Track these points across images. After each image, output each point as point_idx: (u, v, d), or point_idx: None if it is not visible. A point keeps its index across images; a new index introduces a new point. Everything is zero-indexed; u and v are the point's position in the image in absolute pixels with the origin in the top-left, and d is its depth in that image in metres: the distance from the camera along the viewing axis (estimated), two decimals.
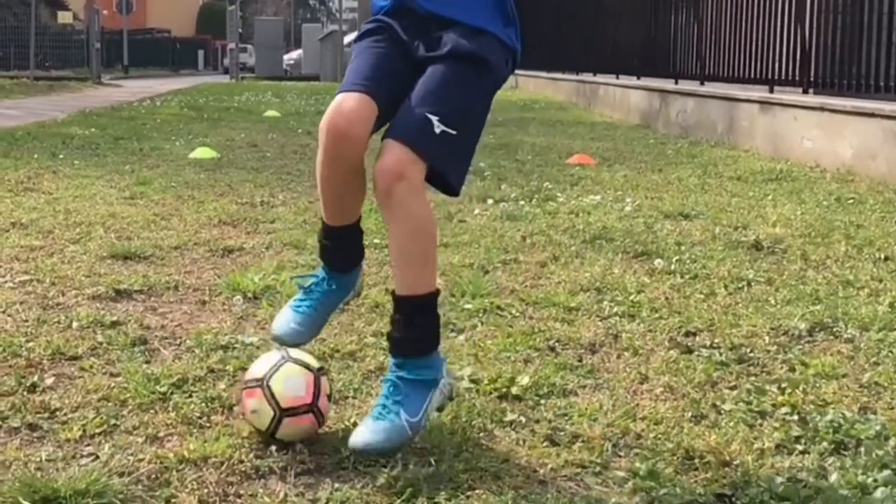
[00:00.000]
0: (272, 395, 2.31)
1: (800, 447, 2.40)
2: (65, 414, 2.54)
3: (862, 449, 2.37)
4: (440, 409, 2.37)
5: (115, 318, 3.39)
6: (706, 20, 11.78)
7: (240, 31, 37.46)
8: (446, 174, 2.23)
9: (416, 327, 2.27)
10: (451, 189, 2.29)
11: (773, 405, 2.66)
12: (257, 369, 2.39)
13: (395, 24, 2.30)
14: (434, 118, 2.14)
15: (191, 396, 2.66)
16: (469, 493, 2.15)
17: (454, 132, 2.17)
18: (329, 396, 2.42)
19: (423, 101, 2.17)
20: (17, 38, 32.01)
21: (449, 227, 5.09)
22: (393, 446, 2.20)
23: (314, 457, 2.30)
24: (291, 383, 2.34)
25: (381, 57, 2.29)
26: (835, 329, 3.37)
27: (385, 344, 2.56)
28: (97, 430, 2.44)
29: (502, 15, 2.30)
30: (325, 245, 2.51)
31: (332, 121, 2.23)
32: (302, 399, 2.33)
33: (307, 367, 2.39)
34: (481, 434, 2.45)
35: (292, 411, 2.32)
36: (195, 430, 2.44)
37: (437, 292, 2.30)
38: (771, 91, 9.66)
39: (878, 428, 2.47)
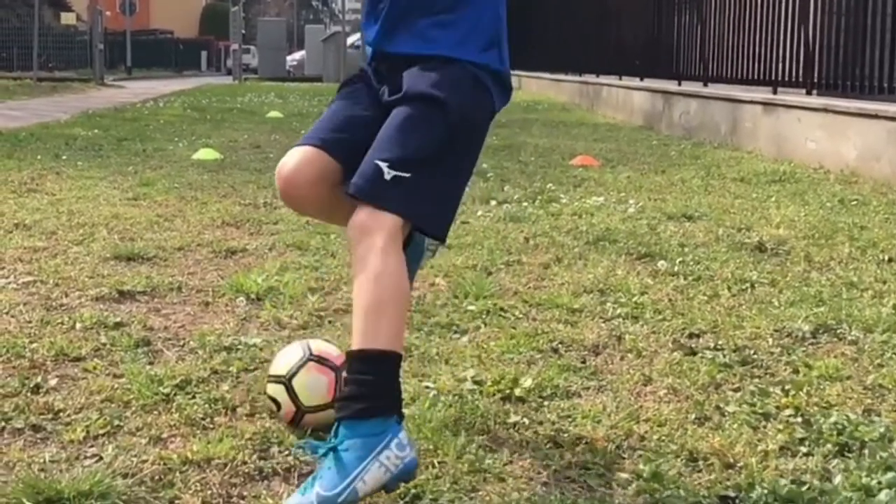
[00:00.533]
0: (308, 345, 2.55)
1: (804, 449, 2.39)
2: (68, 415, 2.55)
3: (866, 451, 2.36)
4: (387, 489, 2.03)
5: (118, 320, 3.40)
6: (709, 21, 11.78)
7: (243, 32, 37.45)
8: (411, 218, 2.08)
9: (355, 385, 2.01)
10: (429, 233, 2.18)
11: (777, 407, 2.65)
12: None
13: (370, 70, 2.27)
14: (384, 165, 2.05)
15: (194, 398, 2.66)
16: (472, 494, 2.15)
17: (407, 175, 2.04)
18: None
19: (375, 149, 2.09)
20: (20, 39, 32.05)
21: (452, 228, 5.09)
22: None
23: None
24: (328, 347, 2.60)
25: (347, 107, 2.26)
26: (838, 331, 3.36)
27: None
28: (101, 432, 2.44)
29: (479, 39, 2.19)
30: None
31: (278, 184, 2.26)
32: (332, 356, 2.52)
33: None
34: (484, 436, 2.44)
35: (320, 359, 2.50)
36: (198, 432, 2.44)
37: (390, 353, 2.03)
38: (774, 92, 9.65)
39: (882, 430, 2.47)
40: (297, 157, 2.21)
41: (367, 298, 2.03)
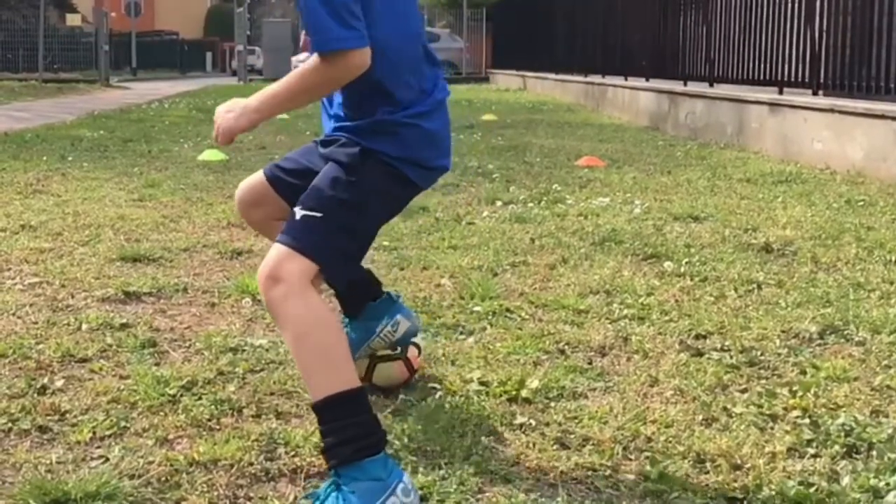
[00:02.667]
0: None
1: (811, 451, 2.39)
2: (75, 416, 2.55)
3: (874, 452, 2.36)
4: None
5: (124, 321, 3.40)
6: (715, 21, 11.76)
7: (248, 33, 37.47)
8: (309, 255, 2.08)
9: (330, 434, 2.05)
10: (327, 274, 2.24)
11: (785, 408, 2.65)
12: None
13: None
14: (297, 207, 2.14)
15: (200, 399, 2.66)
16: (479, 496, 2.15)
17: (319, 214, 2.11)
18: None
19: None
20: (25, 41, 32.10)
21: (458, 229, 5.09)
22: None
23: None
24: None
25: (305, 150, 2.48)
26: (846, 332, 3.35)
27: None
28: (107, 433, 2.44)
29: (370, 131, 2.20)
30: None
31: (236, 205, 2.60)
32: None
33: None
34: (491, 437, 2.44)
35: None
36: (205, 433, 2.45)
37: (345, 393, 2.05)
38: (780, 93, 9.63)
39: (889, 431, 2.46)
40: (246, 185, 2.54)
41: (306, 353, 2.07)
